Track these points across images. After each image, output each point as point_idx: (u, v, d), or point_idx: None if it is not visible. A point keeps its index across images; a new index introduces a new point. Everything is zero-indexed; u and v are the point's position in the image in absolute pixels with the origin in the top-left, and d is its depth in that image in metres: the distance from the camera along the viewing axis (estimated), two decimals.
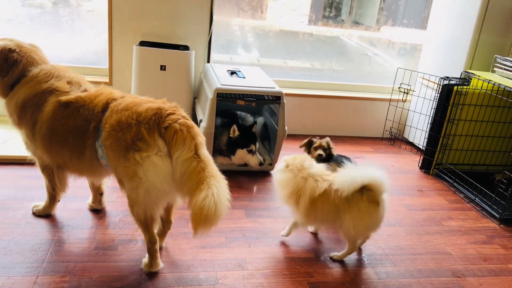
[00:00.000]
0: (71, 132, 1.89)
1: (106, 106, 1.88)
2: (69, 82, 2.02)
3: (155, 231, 2.04)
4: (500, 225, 2.72)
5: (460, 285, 2.11)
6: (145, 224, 1.84)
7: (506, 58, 3.18)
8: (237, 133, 2.95)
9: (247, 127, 3.02)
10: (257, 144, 3.02)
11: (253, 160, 2.98)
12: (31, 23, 3.63)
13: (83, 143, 1.88)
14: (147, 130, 1.74)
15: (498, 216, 2.76)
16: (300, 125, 3.94)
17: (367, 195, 2.03)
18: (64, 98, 1.92)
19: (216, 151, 3.01)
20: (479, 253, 2.40)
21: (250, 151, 2.97)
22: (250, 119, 3.43)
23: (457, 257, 2.34)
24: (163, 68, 3.27)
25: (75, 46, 3.77)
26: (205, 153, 1.80)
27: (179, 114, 1.82)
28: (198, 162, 1.73)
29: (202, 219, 1.60)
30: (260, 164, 2.98)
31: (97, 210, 2.39)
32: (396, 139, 4.04)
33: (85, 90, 2.01)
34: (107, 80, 3.58)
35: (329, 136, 4.03)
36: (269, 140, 3.35)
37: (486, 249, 2.44)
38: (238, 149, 2.96)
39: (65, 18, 3.70)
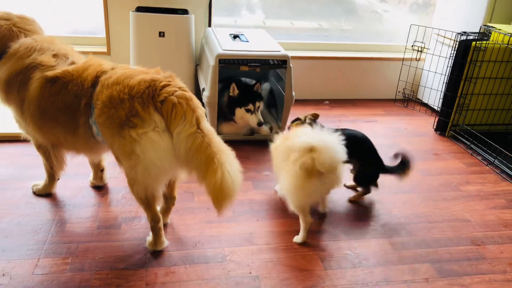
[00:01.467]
0: (62, 110, 1.77)
1: (96, 80, 1.75)
2: (54, 55, 1.87)
3: (159, 208, 1.96)
4: None
5: (480, 253, 2.01)
6: (147, 202, 1.75)
7: None
8: (236, 91, 2.79)
9: (248, 85, 2.86)
10: (260, 105, 2.86)
11: (252, 120, 2.83)
12: None
13: (76, 120, 1.77)
14: (141, 105, 1.62)
15: None
16: (309, 90, 3.77)
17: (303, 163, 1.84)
18: (50, 73, 1.79)
19: (220, 117, 2.88)
20: (499, 218, 2.29)
21: (249, 110, 2.81)
22: None
23: (476, 223, 2.23)
24: (161, 34, 3.10)
25: (71, 15, 3.60)
26: (208, 126, 1.69)
27: (175, 85, 1.69)
28: (203, 137, 1.63)
29: (225, 199, 1.59)
30: (259, 124, 2.82)
31: (99, 187, 2.31)
32: (409, 100, 3.86)
33: (73, 63, 1.86)
34: (105, 49, 3.44)
35: (339, 99, 3.89)
36: (276, 108, 3.21)
37: (507, 214, 2.32)
38: (237, 107, 2.82)
39: None
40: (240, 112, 2.82)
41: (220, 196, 1.58)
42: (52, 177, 2.18)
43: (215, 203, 1.60)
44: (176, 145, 1.63)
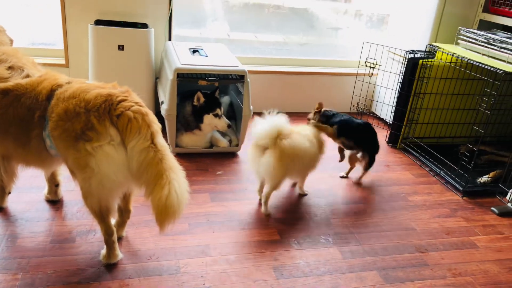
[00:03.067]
0: (13, 122, 1.76)
1: (51, 93, 1.76)
2: (10, 67, 1.87)
3: (114, 221, 1.98)
4: (463, 198, 2.75)
5: (423, 260, 2.13)
6: (100, 215, 1.76)
7: (470, 30, 3.16)
8: (202, 99, 2.86)
9: (210, 93, 2.93)
10: (222, 109, 2.97)
11: (221, 123, 2.91)
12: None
13: (28, 133, 1.77)
14: (97, 118, 1.64)
15: (461, 188, 2.79)
16: (268, 103, 3.83)
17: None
18: (1, 85, 1.79)
19: (181, 128, 2.92)
20: (442, 227, 2.43)
21: (216, 115, 2.89)
22: None
23: (421, 232, 2.36)
24: (121, 48, 3.12)
25: (29, 26, 3.56)
26: (162, 142, 1.73)
27: (132, 100, 1.72)
28: (156, 152, 1.66)
29: (168, 216, 1.61)
30: (229, 126, 2.93)
31: (54, 201, 2.29)
32: (363, 114, 4.03)
33: (28, 76, 1.87)
34: (63, 62, 3.41)
35: (297, 112, 4.00)
36: (235, 120, 3.28)
37: (449, 223, 2.47)
38: (205, 114, 2.88)
39: None
40: (208, 119, 2.89)
41: (163, 213, 1.60)
42: (2, 190, 2.15)
43: (157, 219, 1.63)
44: (130, 159, 1.67)
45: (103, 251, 1.89)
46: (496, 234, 2.40)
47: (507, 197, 2.70)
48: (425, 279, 2.00)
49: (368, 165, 2.79)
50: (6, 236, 1.99)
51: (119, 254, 1.90)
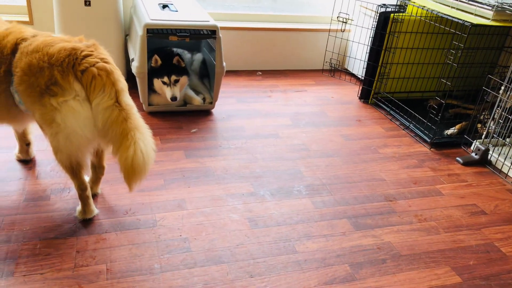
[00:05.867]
0: None
1: (15, 47, 1.71)
2: None
3: (88, 178, 1.98)
4: (431, 149, 2.86)
5: (391, 207, 2.23)
6: (72, 170, 1.77)
7: None
8: (159, 62, 2.80)
9: (169, 58, 2.84)
10: (181, 79, 2.84)
11: (167, 93, 2.81)
12: None
13: None
14: (61, 73, 1.61)
15: (429, 140, 2.89)
16: (241, 61, 3.84)
17: None
18: None
19: (150, 89, 2.88)
20: (410, 176, 2.53)
21: (164, 83, 2.81)
22: (187, 55, 3.29)
23: (390, 182, 2.46)
24: (87, 3, 3.00)
25: None
26: (127, 101, 1.71)
27: (97, 56, 1.69)
28: (120, 111, 1.65)
29: (135, 176, 1.63)
30: (172, 99, 2.79)
31: (26, 161, 2.27)
32: (336, 70, 4.05)
33: None
34: (27, 19, 3.27)
35: (271, 70, 4.00)
36: (208, 78, 3.25)
37: (417, 173, 2.58)
38: (154, 78, 2.83)
39: None
40: (158, 83, 2.83)
41: (130, 173, 1.61)
42: None
43: (125, 178, 1.64)
44: (95, 117, 1.66)
45: (79, 207, 1.90)
46: (460, 182, 2.52)
47: (471, 148, 2.82)
48: (392, 225, 2.11)
49: None
50: None
51: (95, 210, 1.92)
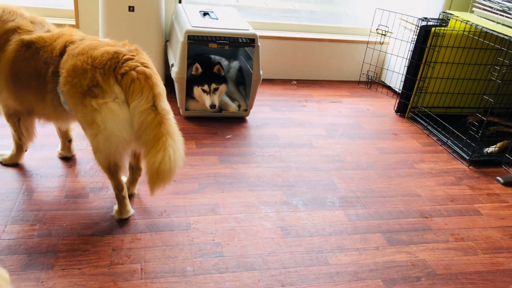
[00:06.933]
0: (33, 76, 1.81)
1: (64, 49, 1.78)
2: (32, 22, 1.91)
3: (125, 178, 2.03)
4: (469, 167, 2.78)
5: (427, 224, 2.18)
6: (110, 171, 1.82)
7: None
8: (200, 70, 2.86)
9: (210, 66, 2.90)
10: (220, 87, 2.89)
11: (206, 100, 2.86)
12: None
13: (44, 87, 1.81)
14: (102, 75, 1.66)
15: (467, 158, 2.81)
16: (277, 70, 3.86)
17: None
18: (26, 37, 1.82)
19: (187, 95, 2.94)
20: (447, 194, 2.47)
21: (204, 91, 2.86)
22: (225, 63, 3.34)
23: (426, 198, 2.40)
24: (131, 9, 3.10)
25: None
26: (163, 105, 1.74)
27: (138, 60, 1.73)
28: (156, 115, 1.69)
29: (159, 181, 1.66)
30: (211, 106, 2.85)
31: (67, 158, 2.35)
32: (373, 82, 4.01)
33: (48, 31, 1.90)
34: (73, 22, 3.40)
35: (306, 80, 4.00)
36: (244, 85, 3.28)
37: (454, 190, 2.51)
38: (195, 86, 2.88)
39: None
40: (198, 91, 2.88)
41: (154, 177, 1.64)
42: (20, 148, 2.20)
43: (149, 182, 1.67)
44: (132, 119, 1.70)
45: (115, 207, 1.95)
46: (500, 203, 2.44)
47: None
48: (427, 242, 2.05)
49: None
50: (23, 190, 2.05)
51: (131, 210, 1.96)
